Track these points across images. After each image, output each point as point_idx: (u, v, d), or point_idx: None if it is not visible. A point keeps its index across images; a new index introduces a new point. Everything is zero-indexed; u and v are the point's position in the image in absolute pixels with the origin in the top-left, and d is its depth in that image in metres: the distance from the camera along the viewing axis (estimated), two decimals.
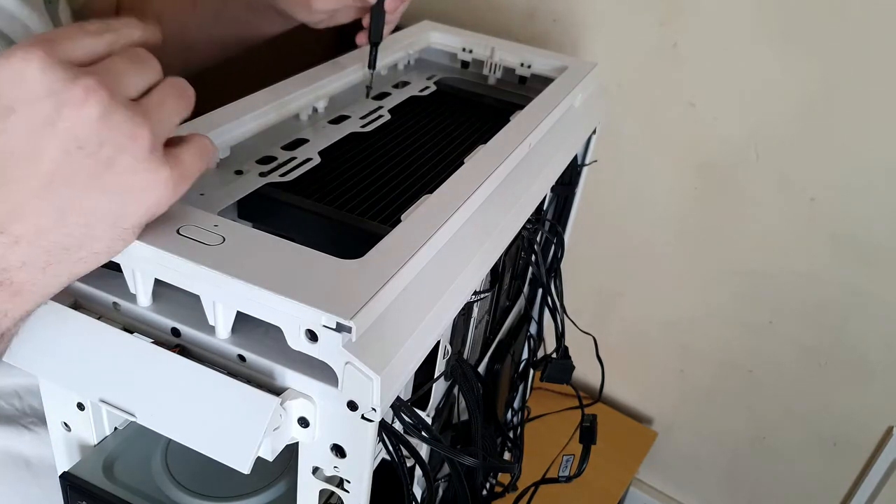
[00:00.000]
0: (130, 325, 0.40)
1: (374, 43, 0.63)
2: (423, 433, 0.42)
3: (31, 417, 0.53)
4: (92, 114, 0.31)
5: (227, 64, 0.75)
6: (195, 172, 0.36)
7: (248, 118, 0.53)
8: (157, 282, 0.39)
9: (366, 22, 0.63)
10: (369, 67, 0.64)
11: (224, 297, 0.37)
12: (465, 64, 0.79)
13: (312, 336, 0.35)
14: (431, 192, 0.46)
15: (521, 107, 0.62)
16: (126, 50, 0.34)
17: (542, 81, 0.72)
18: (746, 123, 0.92)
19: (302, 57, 0.67)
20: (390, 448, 0.40)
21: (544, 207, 0.74)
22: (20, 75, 0.31)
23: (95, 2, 0.66)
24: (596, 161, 0.80)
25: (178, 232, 0.38)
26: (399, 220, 0.46)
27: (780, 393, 1.05)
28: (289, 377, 0.37)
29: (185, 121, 0.47)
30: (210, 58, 0.73)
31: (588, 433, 0.74)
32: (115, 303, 0.41)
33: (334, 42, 0.67)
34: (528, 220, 0.60)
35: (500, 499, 0.81)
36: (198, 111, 0.47)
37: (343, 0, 0.60)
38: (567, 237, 0.79)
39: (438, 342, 0.48)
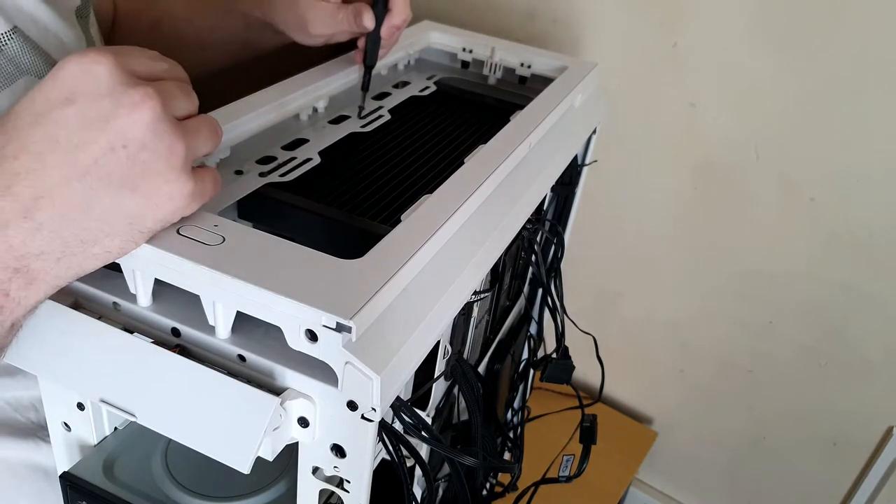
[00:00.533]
0: (130, 325, 0.40)
1: (369, 67, 0.63)
2: (423, 433, 0.42)
3: (47, 430, 0.54)
4: (144, 118, 0.34)
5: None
6: (209, 195, 0.38)
7: (248, 118, 0.53)
8: (157, 282, 0.39)
9: (361, 43, 0.63)
10: (362, 89, 0.64)
11: (224, 297, 0.37)
12: (465, 64, 0.79)
13: (312, 336, 0.35)
14: (431, 192, 0.46)
15: (521, 107, 0.62)
16: (176, 80, 0.38)
17: (542, 81, 0.72)
18: (746, 123, 0.92)
19: (302, 57, 0.67)
20: (390, 448, 0.40)
21: (544, 207, 0.74)
22: (89, 72, 0.34)
23: (97, 9, 0.66)
24: (596, 161, 0.80)
25: (178, 232, 0.38)
26: (399, 220, 0.46)
27: (780, 393, 1.05)
28: (289, 377, 0.37)
29: None
30: (207, 67, 0.73)
31: (588, 433, 0.74)
32: (115, 303, 0.41)
33: (334, 43, 0.68)
34: (528, 220, 0.60)
35: (500, 499, 0.81)
36: (199, 109, 0.47)
37: (339, 25, 0.61)
38: (567, 237, 0.79)
39: (438, 342, 0.48)
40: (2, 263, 0.34)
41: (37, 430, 0.54)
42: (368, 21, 0.60)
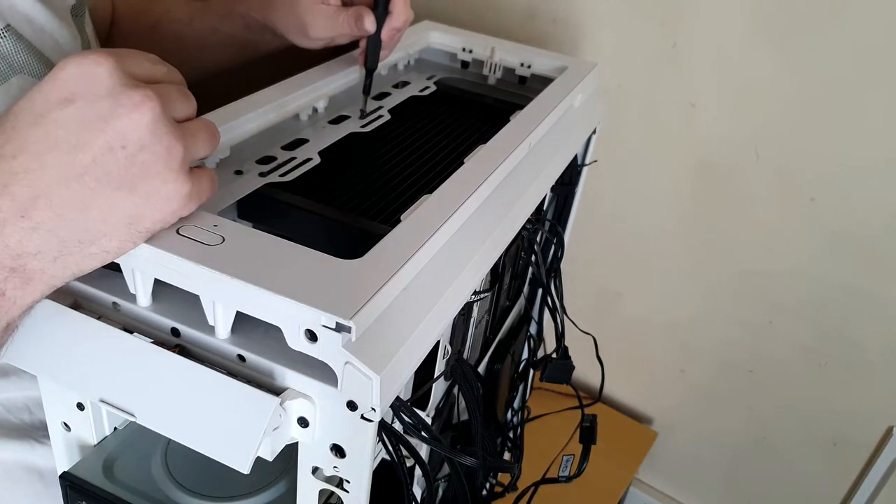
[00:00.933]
0: (130, 325, 0.40)
1: (370, 70, 0.63)
2: (422, 433, 0.42)
3: (42, 431, 0.54)
4: (143, 119, 0.34)
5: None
6: (206, 196, 0.39)
7: (248, 118, 0.53)
8: (157, 282, 0.39)
9: (362, 45, 0.63)
10: (363, 93, 0.64)
11: (224, 297, 0.37)
12: (465, 64, 0.79)
13: (312, 336, 0.35)
14: (431, 192, 0.46)
15: (521, 107, 0.62)
16: (175, 84, 0.38)
17: (542, 81, 0.72)
18: (746, 123, 0.92)
19: (302, 58, 0.67)
20: (390, 448, 0.40)
21: (544, 207, 0.74)
22: (89, 74, 0.34)
23: (95, 10, 0.66)
24: (596, 161, 0.80)
25: (177, 232, 0.38)
26: (399, 220, 0.46)
27: (780, 393, 1.05)
28: (288, 377, 0.37)
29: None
30: (207, 68, 0.73)
31: (588, 433, 0.74)
32: (114, 303, 0.41)
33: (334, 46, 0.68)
34: (528, 220, 0.60)
35: (500, 499, 0.81)
36: (197, 112, 0.47)
37: (339, 28, 0.61)
38: (567, 237, 0.79)
39: (438, 342, 0.48)
40: None
41: (31, 432, 0.54)
42: (370, 24, 0.59)
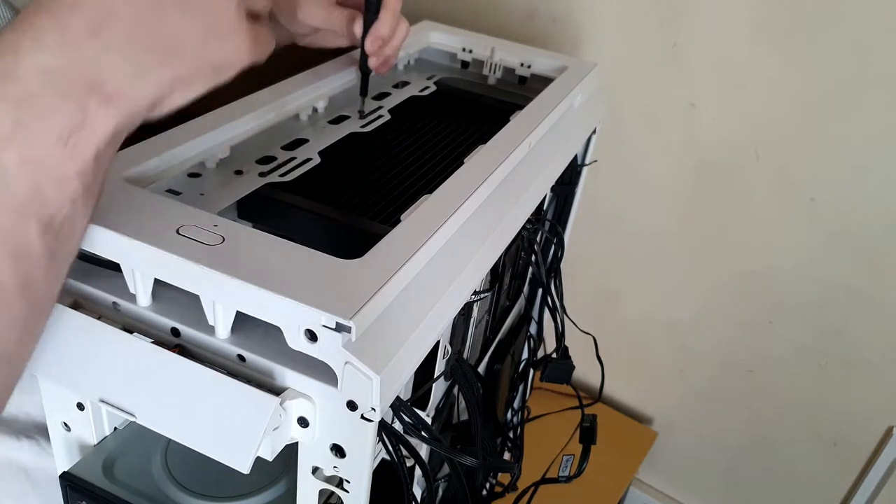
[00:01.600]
0: (130, 325, 0.40)
1: (364, 73, 0.63)
2: (422, 433, 0.42)
3: (29, 427, 0.53)
4: None
5: None
6: (264, 48, 0.39)
7: (248, 118, 0.53)
8: (157, 282, 0.39)
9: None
10: (360, 94, 0.64)
11: (224, 297, 0.37)
12: (465, 64, 0.79)
13: (312, 336, 0.35)
14: (431, 192, 0.46)
15: (521, 107, 0.62)
16: None
17: (542, 81, 0.72)
18: (746, 123, 0.92)
19: (301, 58, 0.67)
20: (390, 448, 0.41)
21: (544, 207, 0.74)
22: None
23: None
24: (596, 161, 0.80)
25: (177, 232, 0.38)
26: (399, 220, 0.46)
27: (780, 393, 1.05)
28: (288, 377, 0.37)
29: (184, 119, 0.48)
30: None
31: (588, 433, 0.74)
32: (114, 303, 0.41)
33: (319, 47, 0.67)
34: (528, 220, 0.60)
35: (500, 499, 0.81)
36: (197, 111, 0.47)
37: (328, 23, 0.60)
38: (567, 237, 0.79)
39: (438, 342, 0.48)
40: (77, 78, 0.34)
41: (20, 428, 0.54)
42: (358, 30, 0.59)
